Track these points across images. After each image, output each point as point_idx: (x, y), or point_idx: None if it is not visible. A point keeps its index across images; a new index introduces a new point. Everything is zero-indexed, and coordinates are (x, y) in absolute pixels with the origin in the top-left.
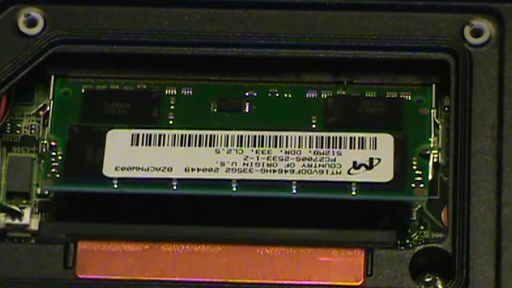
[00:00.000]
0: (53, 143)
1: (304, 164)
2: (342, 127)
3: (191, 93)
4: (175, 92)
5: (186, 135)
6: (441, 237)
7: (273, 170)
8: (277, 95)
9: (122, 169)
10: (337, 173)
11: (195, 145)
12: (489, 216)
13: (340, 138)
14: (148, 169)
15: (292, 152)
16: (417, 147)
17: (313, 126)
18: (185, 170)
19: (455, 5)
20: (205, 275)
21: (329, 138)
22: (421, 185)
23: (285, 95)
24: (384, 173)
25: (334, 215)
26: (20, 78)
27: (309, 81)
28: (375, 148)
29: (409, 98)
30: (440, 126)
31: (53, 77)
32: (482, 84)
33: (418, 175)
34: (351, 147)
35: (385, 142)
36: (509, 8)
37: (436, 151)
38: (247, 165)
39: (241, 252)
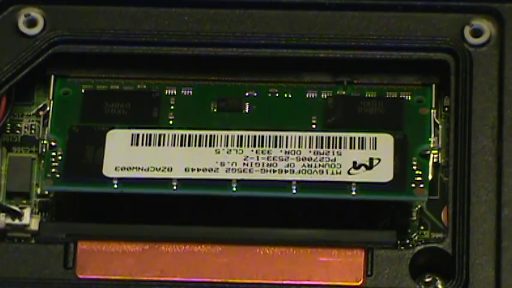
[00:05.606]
0: (53, 143)
1: (304, 164)
2: (342, 127)
3: (191, 93)
4: (175, 92)
5: (186, 135)
6: (441, 237)
7: (273, 170)
8: (277, 95)
9: (122, 169)
10: (337, 173)
11: (195, 145)
12: (489, 216)
13: (340, 138)
14: (148, 169)
15: (292, 152)
16: (417, 147)
17: (313, 126)
18: (185, 170)
19: (455, 5)
20: (205, 275)
21: (329, 138)
22: (421, 185)
23: (285, 95)
24: (384, 173)
25: (334, 215)
26: (20, 78)
27: (309, 81)
28: (375, 148)
29: (409, 98)
30: (440, 126)
31: (53, 77)
32: (482, 84)
33: (418, 175)
34: (351, 147)
35: (385, 142)
36: (509, 8)
37: (436, 151)
38: (247, 165)
39: (241, 252)
